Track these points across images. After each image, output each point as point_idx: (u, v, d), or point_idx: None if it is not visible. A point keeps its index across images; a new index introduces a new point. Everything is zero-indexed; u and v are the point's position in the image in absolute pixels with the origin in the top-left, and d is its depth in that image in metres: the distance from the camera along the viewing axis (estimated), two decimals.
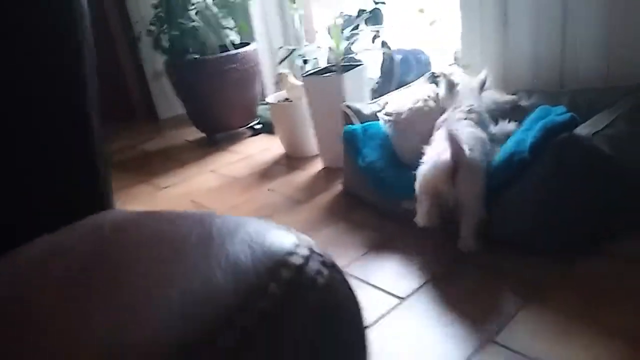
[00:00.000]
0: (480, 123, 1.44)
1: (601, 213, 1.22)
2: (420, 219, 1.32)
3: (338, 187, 1.88)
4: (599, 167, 1.20)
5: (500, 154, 1.31)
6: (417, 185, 1.31)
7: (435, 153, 1.29)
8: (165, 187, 2.17)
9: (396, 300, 1.20)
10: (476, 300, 1.16)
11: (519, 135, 1.32)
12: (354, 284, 1.26)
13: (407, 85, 2.00)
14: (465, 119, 1.43)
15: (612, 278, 1.14)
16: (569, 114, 1.21)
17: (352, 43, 2.05)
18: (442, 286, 1.22)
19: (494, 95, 1.70)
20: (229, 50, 2.47)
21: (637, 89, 1.46)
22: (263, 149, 2.46)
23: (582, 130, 1.25)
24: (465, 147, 1.20)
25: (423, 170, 1.30)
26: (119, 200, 2.08)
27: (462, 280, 1.23)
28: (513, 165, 1.22)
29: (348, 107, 1.81)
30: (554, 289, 1.14)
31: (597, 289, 1.12)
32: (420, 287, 1.23)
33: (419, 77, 2.05)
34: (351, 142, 1.67)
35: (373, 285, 1.27)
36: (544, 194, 1.20)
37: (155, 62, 2.98)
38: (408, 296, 1.20)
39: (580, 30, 1.66)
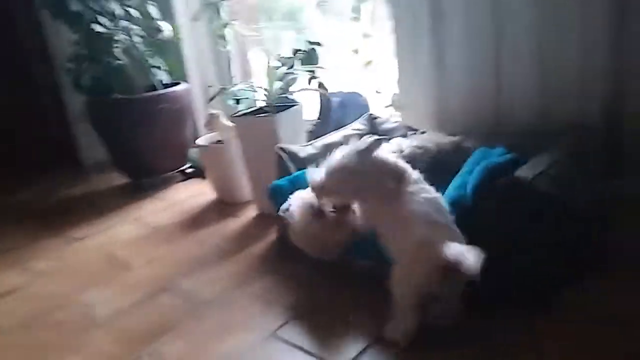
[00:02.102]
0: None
1: (553, 257, 1.14)
2: (404, 337, 1.05)
3: (272, 235, 1.73)
4: (546, 209, 1.13)
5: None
6: (400, 297, 1.05)
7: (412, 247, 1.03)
8: (80, 239, 1.93)
9: None
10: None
11: (459, 178, 1.24)
12: (288, 350, 1.13)
13: (345, 127, 1.92)
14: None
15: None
16: (508, 156, 1.15)
17: (288, 83, 1.95)
18: (386, 350, 1.08)
19: (435, 137, 1.64)
20: (156, 90, 2.31)
21: (573, 129, 1.45)
22: (194, 194, 2.28)
23: (524, 172, 1.18)
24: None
25: (405, 278, 1.03)
26: (24, 255, 1.82)
27: (411, 345, 1.09)
28: (456, 212, 1.12)
29: (282, 149, 1.69)
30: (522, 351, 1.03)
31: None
32: (362, 352, 1.08)
33: (356, 120, 1.98)
34: (277, 199, 1.52)
35: (308, 352, 1.11)
36: (488, 241, 1.10)
37: (79, 102, 2.76)
38: None
39: (515, 69, 1.64)
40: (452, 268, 0.94)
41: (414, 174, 1.14)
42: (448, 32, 1.74)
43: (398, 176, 1.12)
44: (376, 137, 1.15)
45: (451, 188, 1.22)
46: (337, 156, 1.17)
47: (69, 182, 2.74)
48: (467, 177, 1.19)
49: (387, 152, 1.46)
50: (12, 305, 1.50)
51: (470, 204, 1.12)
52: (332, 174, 1.15)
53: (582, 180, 1.29)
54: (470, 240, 1.12)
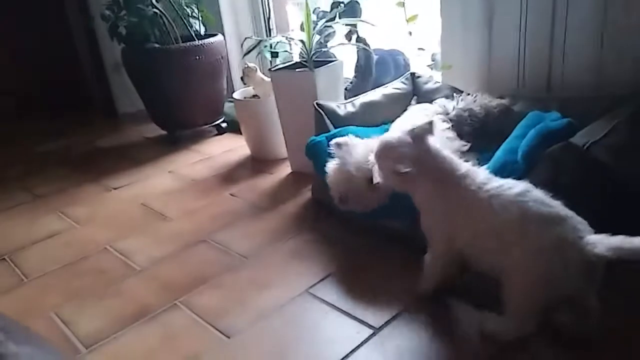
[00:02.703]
0: None
1: (600, 228, 1.08)
2: (510, 335, 0.94)
3: (307, 194, 1.71)
4: (598, 179, 1.07)
5: (490, 164, 1.16)
6: (523, 302, 0.91)
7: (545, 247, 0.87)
8: (116, 188, 1.95)
9: (368, 331, 1.03)
10: (459, 336, 1.00)
11: (509, 143, 1.18)
12: (320, 308, 1.13)
13: (386, 86, 1.85)
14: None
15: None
16: (565, 120, 1.08)
17: (326, 37, 1.88)
18: (419, 317, 1.06)
19: (482, 99, 1.56)
20: (193, 41, 2.27)
21: (633, 97, 1.35)
22: (227, 149, 2.27)
23: (579, 139, 1.11)
24: None
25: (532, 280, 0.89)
26: (62, 201, 1.86)
27: (445, 314, 1.07)
28: (505, 177, 1.07)
29: (320, 106, 1.64)
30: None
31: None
32: (395, 316, 1.06)
33: (395, 79, 1.90)
34: (316, 155, 1.49)
35: (342, 311, 1.11)
36: None
37: (115, 52, 2.74)
38: (382, 327, 1.04)
39: (570, 33, 1.54)
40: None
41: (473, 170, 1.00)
42: None
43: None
44: (429, 120, 1.01)
45: (500, 153, 1.16)
46: (391, 136, 1.05)
47: (104, 131, 2.77)
48: (518, 142, 1.12)
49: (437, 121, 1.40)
50: (52, 249, 1.54)
51: (520, 170, 1.06)
52: (380, 157, 1.04)
53: None
54: None
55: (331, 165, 1.30)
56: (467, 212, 0.95)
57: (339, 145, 1.28)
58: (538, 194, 0.92)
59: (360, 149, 1.25)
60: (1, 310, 1.22)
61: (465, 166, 1.00)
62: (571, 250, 0.84)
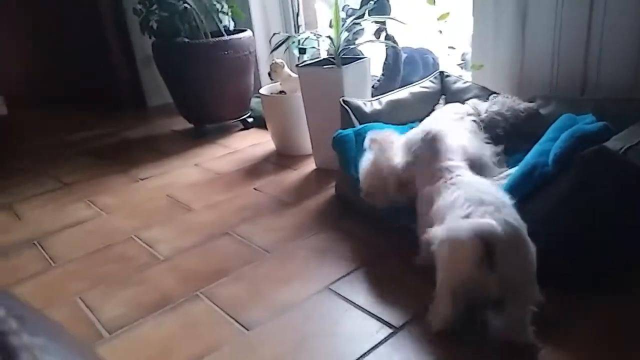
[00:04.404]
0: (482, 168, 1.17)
1: (631, 239, 1.05)
2: (438, 322, 0.96)
3: (330, 190, 1.70)
4: (633, 187, 1.03)
5: (520, 166, 1.13)
6: (439, 283, 0.94)
7: (447, 229, 0.90)
8: (143, 179, 1.99)
9: (388, 330, 1.02)
10: (480, 337, 0.98)
11: (541, 145, 1.14)
12: (340, 305, 1.12)
13: (414, 84, 1.83)
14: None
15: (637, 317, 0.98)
16: (601, 123, 1.04)
17: (354, 34, 1.87)
18: None
19: (510, 101, 1.53)
20: (222, 36, 2.29)
21: None
22: (253, 144, 2.28)
23: (614, 143, 1.08)
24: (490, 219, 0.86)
25: (443, 264, 0.91)
26: (90, 190, 1.90)
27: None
28: (533, 180, 1.05)
29: (346, 103, 1.64)
30: (573, 328, 0.97)
31: (621, 330, 0.95)
32: (416, 316, 1.05)
33: (424, 78, 1.88)
34: (342, 149, 1.49)
35: (362, 309, 1.10)
36: (567, 213, 1.03)
37: (146, 45, 2.79)
38: (402, 326, 1.03)
39: (607, 33, 1.49)
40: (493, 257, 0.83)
41: (462, 169, 1.08)
42: None
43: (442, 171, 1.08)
44: (439, 130, 1.14)
45: (531, 155, 1.13)
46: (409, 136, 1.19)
47: (133, 123, 2.82)
48: (550, 145, 1.09)
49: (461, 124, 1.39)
50: (79, 236, 1.57)
51: (550, 172, 1.03)
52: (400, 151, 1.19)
53: None
54: (548, 210, 1.05)
55: (367, 158, 1.30)
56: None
57: (374, 140, 1.28)
58: (489, 189, 0.97)
59: (395, 146, 1.24)
60: (29, 293, 1.26)
61: (458, 170, 1.06)
62: (461, 247, 0.85)
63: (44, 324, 0.30)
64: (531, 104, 1.55)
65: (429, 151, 1.12)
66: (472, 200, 0.92)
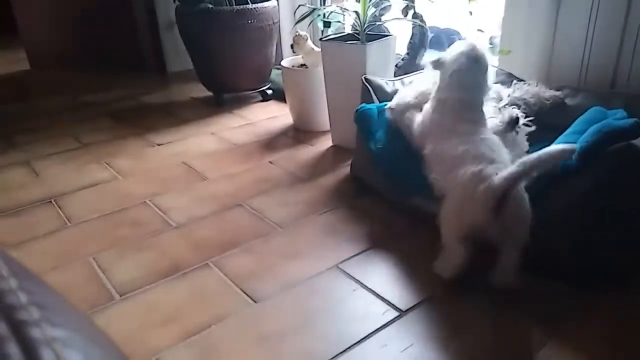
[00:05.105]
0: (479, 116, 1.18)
1: None
2: (448, 270, 1.06)
3: (345, 169, 1.69)
4: None
5: None
6: (445, 229, 1.04)
7: (462, 180, 1.01)
8: (159, 145, 1.99)
9: (394, 313, 1.02)
10: (485, 327, 0.98)
11: (566, 137, 1.11)
12: (348, 284, 1.13)
13: None
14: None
15: None
16: (632, 120, 1.00)
17: (382, 10, 1.82)
18: (447, 304, 1.04)
19: (537, 89, 1.48)
20: (247, 4, 2.25)
21: None
22: (271, 116, 2.27)
23: None
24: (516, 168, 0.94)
25: (451, 208, 1.01)
26: (107, 152, 1.92)
27: (471, 301, 1.05)
28: (556, 173, 1.02)
29: (368, 81, 1.61)
30: (579, 326, 0.96)
31: (627, 330, 0.94)
32: (423, 301, 1.05)
33: None
34: (364, 123, 1.48)
35: (370, 290, 1.10)
36: (589, 210, 1.01)
37: (170, 10, 2.76)
38: (408, 310, 1.03)
39: None
40: (502, 205, 0.93)
41: (472, 113, 1.14)
42: None
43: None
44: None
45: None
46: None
47: (151, 87, 2.81)
48: (576, 137, 1.06)
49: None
50: (95, 198, 1.59)
51: (574, 166, 1.00)
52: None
53: None
54: (568, 204, 1.03)
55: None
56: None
57: (390, 109, 1.39)
58: (495, 143, 1.07)
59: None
60: (43, 250, 1.28)
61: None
62: (476, 185, 0.96)
63: (65, 311, 0.29)
64: (557, 93, 1.51)
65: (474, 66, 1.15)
66: (483, 158, 1.01)
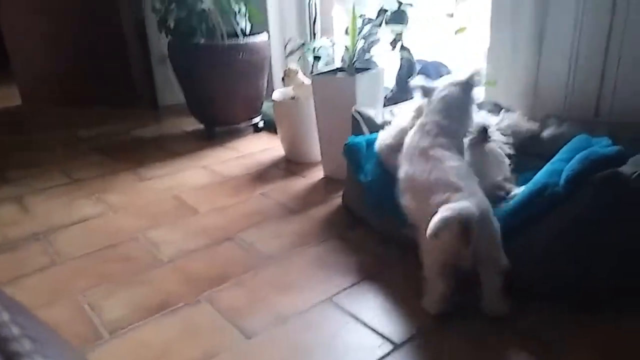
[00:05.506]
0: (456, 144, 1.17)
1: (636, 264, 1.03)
2: (434, 304, 1.07)
3: (337, 200, 1.70)
4: None
5: (529, 184, 1.12)
6: (426, 263, 1.07)
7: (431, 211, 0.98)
8: (150, 179, 1.99)
9: (389, 346, 1.01)
10: (480, 358, 0.97)
11: (553, 164, 1.13)
12: (342, 317, 1.11)
13: None
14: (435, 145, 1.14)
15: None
16: (616, 147, 1.03)
17: (370, 44, 1.87)
18: (441, 335, 1.03)
19: (515, 120, 1.52)
20: (238, 38, 2.29)
21: None
22: (263, 149, 2.28)
23: (627, 168, 1.06)
24: (469, 202, 0.96)
25: (426, 239, 0.97)
26: (98, 187, 1.91)
27: (466, 331, 1.04)
28: (543, 200, 1.03)
29: (358, 112, 1.63)
30: (570, 349, 0.95)
31: (617, 353, 0.94)
32: (417, 333, 1.04)
33: None
34: (353, 156, 1.50)
35: (363, 323, 1.09)
36: (573, 236, 1.02)
37: (162, 44, 2.81)
38: (403, 343, 1.02)
39: (625, 57, 1.48)
40: (469, 231, 0.94)
41: (449, 139, 1.15)
42: (554, 1, 1.59)
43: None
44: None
45: (542, 174, 1.12)
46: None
47: (144, 121, 2.83)
48: (562, 165, 1.08)
49: None
50: (84, 233, 1.57)
51: (561, 193, 1.02)
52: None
53: None
54: (556, 231, 1.04)
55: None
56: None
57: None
58: (464, 170, 1.08)
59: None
60: (33, 287, 1.26)
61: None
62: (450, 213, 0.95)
63: (58, 344, 0.29)
64: (535, 125, 1.54)
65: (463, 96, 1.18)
66: (449, 186, 1.02)
